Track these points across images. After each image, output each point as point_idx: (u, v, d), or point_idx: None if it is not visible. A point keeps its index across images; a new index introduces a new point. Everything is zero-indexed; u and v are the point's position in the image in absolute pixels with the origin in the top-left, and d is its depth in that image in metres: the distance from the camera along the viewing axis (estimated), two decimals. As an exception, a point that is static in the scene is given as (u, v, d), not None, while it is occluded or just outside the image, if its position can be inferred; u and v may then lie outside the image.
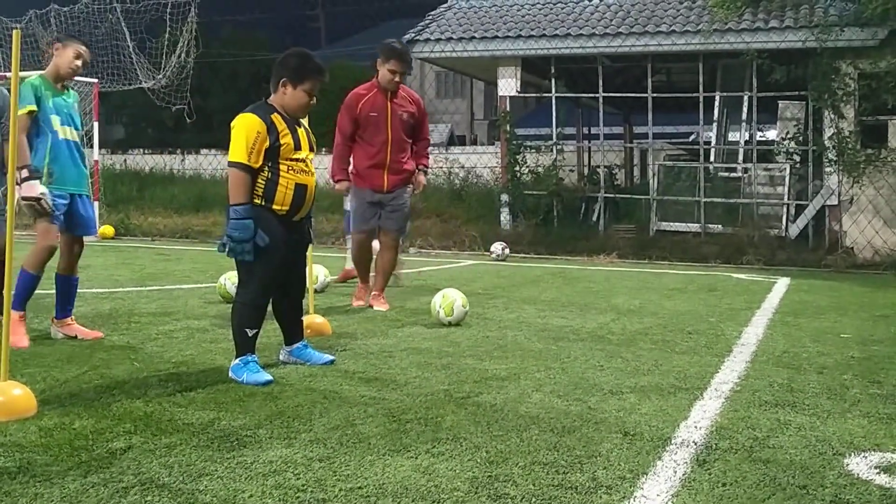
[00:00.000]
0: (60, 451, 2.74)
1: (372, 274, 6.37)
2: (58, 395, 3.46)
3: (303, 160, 3.98)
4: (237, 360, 3.83)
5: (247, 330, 3.86)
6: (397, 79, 5.93)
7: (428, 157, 6.43)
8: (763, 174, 12.26)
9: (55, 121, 4.60)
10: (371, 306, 6.09)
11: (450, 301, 5.45)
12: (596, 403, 3.46)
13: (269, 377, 3.75)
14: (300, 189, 3.94)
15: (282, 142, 3.89)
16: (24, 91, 4.46)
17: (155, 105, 15.27)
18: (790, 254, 11.00)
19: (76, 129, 4.74)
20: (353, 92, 6.07)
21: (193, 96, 14.71)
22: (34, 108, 4.50)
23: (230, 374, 3.82)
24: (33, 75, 4.72)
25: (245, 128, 3.83)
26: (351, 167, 6.17)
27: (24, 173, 4.24)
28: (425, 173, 6.38)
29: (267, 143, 3.84)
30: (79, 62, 4.67)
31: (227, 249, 3.78)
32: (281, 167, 3.89)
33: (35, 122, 4.54)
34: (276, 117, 3.92)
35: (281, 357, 4.20)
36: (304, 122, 4.16)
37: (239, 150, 3.82)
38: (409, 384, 3.75)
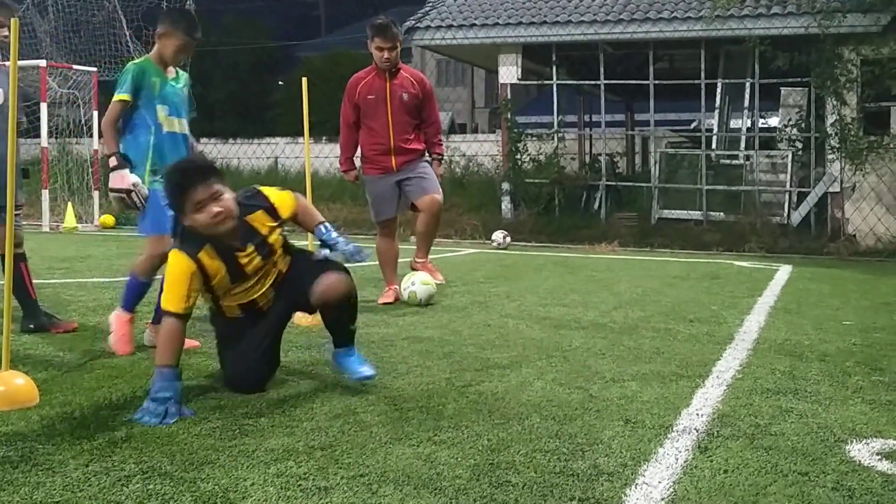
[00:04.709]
0: (62, 441, 2.74)
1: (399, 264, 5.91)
2: (59, 385, 3.47)
3: (246, 288, 3.36)
4: None
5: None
6: (386, 55, 5.63)
7: (441, 145, 5.98)
8: (765, 161, 12.22)
9: (161, 111, 4.07)
10: (391, 302, 5.61)
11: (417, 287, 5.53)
12: (597, 391, 3.46)
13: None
14: (247, 305, 3.41)
15: (214, 284, 3.30)
16: (122, 77, 4.03)
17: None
18: (792, 241, 10.98)
19: (184, 118, 4.22)
20: (353, 76, 5.91)
21: (195, 85, 14.66)
22: (127, 97, 3.99)
23: None
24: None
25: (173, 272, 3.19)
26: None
27: (113, 161, 3.91)
28: (441, 162, 5.98)
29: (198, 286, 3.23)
30: (182, 53, 4.13)
31: (142, 416, 2.95)
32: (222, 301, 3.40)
33: (136, 111, 4.04)
34: (205, 253, 3.21)
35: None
36: (263, 227, 3.33)
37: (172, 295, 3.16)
38: (411, 373, 3.75)
